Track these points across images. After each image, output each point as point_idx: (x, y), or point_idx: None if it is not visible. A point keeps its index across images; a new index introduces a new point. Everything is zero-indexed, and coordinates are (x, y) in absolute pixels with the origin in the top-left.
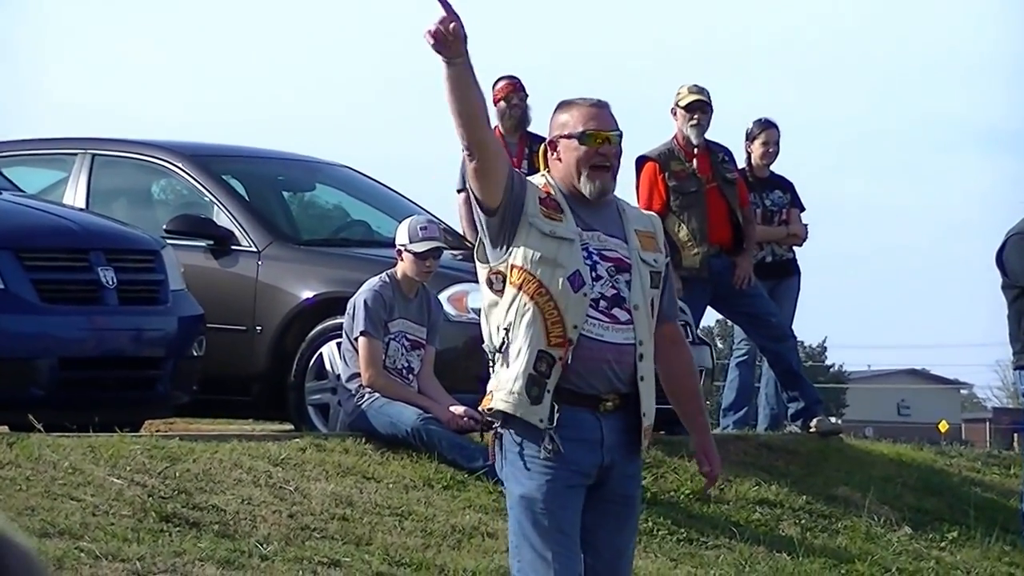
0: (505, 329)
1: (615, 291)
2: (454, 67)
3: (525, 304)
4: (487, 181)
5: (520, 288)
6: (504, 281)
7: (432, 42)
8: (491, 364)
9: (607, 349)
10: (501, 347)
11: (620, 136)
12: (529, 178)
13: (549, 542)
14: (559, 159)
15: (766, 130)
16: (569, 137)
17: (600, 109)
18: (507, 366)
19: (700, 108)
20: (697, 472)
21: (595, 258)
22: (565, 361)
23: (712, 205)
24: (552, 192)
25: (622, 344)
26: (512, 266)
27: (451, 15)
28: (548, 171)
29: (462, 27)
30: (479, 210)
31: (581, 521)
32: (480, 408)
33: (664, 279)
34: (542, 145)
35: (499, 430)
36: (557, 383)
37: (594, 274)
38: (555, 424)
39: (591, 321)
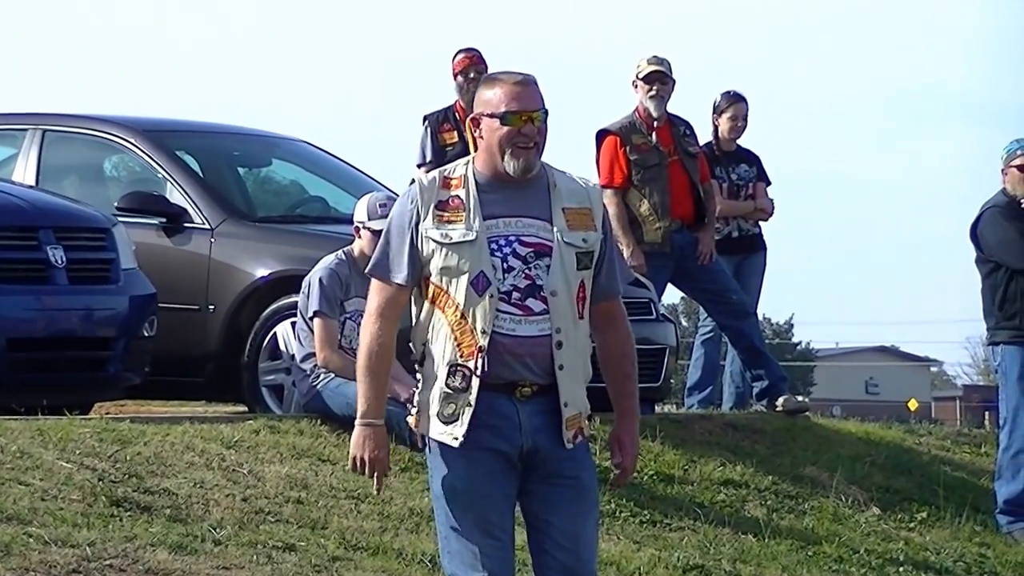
0: (423, 344)
1: (529, 281)
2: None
3: (439, 318)
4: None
5: (432, 301)
6: (420, 293)
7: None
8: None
9: (517, 343)
10: (422, 363)
11: (545, 114)
12: (445, 169)
13: (475, 533)
14: (481, 137)
15: (734, 104)
16: (491, 116)
17: (524, 87)
18: (427, 385)
19: (659, 79)
20: (660, 453)
21: (512, 247)
22: (482, 369)
23: (674, 179)
24: (462, 185)
25: (536, 336)
26: (423, 279)
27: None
28: (475, 150)
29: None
30: None
31: (533, 511)
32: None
33: (601, 256)
34: (468, 120)
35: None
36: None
37: (505, 266)
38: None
39: (502, 316)
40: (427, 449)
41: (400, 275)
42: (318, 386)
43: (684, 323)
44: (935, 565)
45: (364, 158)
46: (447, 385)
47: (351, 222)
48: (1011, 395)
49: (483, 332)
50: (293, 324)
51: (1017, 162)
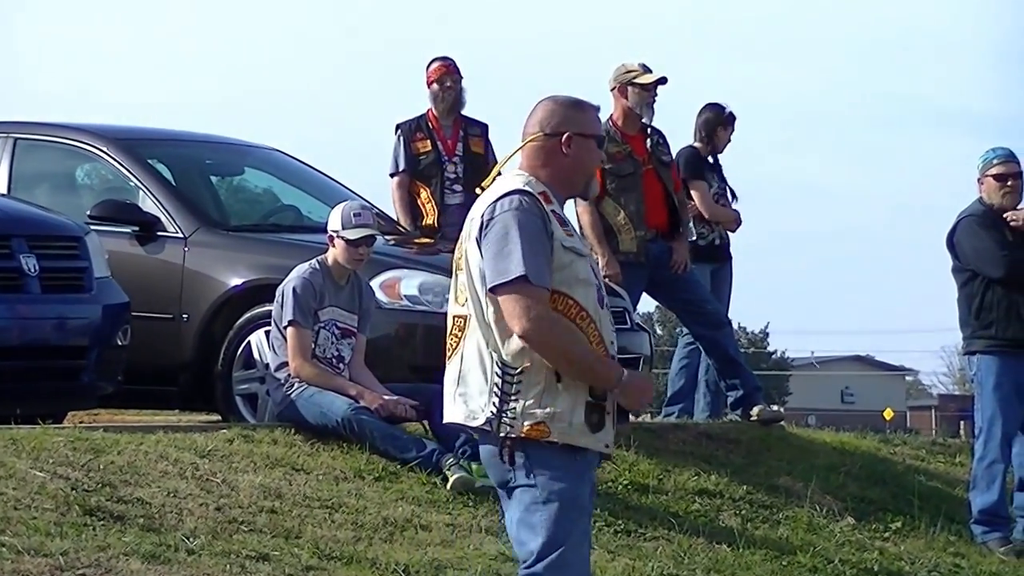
0: None
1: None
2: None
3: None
4: None
5: (563, 312)
6: None
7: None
8: (507, 383)
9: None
10: (556, 375)
11: None
12: (528, 183)
13: (582, 543)
14: (569, 155)
15: (733, 123)
16: (588, 137)
17: None
18: (560, 395)
19: (656, 87)
20: (635, 462)
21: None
22: None
23: (649, 188)
24: (551, 200)
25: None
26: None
27: None
28: (535, 167)
29: None
30: None
31: None
32: (522, 435)
33: None
34: (560, 137)
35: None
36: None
37: (597, 283)
38: None
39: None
40: (524, 457)
41: (549, 281)
42: (292, 395)
43: (659, 332)
44: (910, 575)
45: (333, 167)
46: (591, 395)
47: (324, 231)
48: (986, 405)
49: (611, 342)
50: (267, 333)
51: (994, 171)
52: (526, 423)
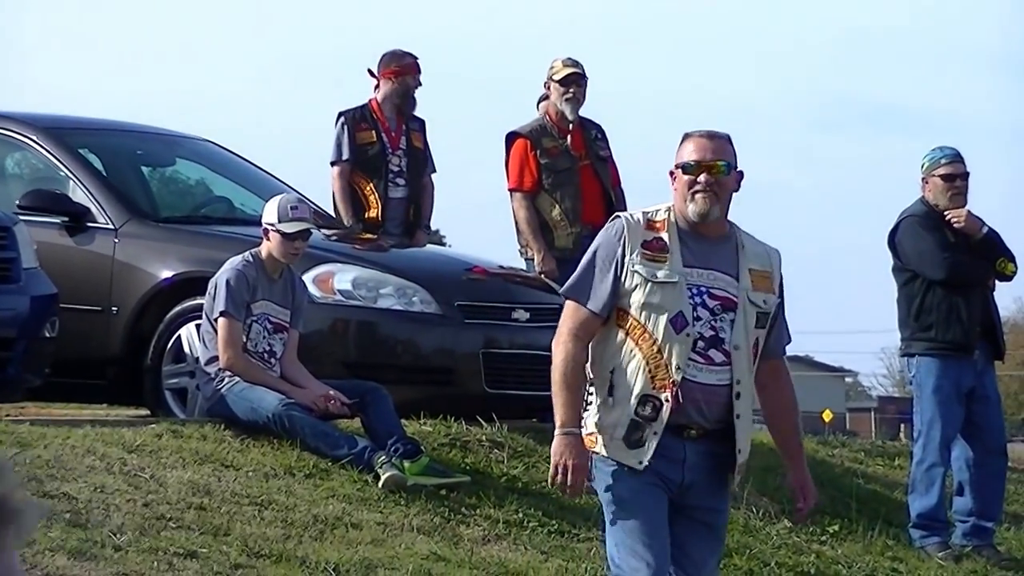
0: (611, 371)
1: (713, 332)
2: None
3: (631, 349)
4: None
5: (627, 332)
6: (612, 323)
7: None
8: (588, 393)
9: (697, 389)
10: (608, 389)
11: (727, 167)
12: (648, 211)
13: (640, 534)
14: (675, 188)
15: None
16: (678, 167)
17: (710, 140)
18: (611, 409)
19: (575, 81)
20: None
21: (702, 297)
22: (674, 404)
23: (585, 184)
24: (665, 228)
25: (714, 385)
26: (617, 309)
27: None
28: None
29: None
30: None
31: (671, 532)
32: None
33: (774, 318)
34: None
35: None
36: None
37: (695, 314)
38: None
39: (688, 362)
40: (593, 464)
41: (597, 304)
42: (222, 390)
43: None
44: None
45: (269, 157)
46: (637, 413)
47: (257, 223)
48: (925, 408)
49: (678, 368)
50: (198, 327)
51: (941, 171)
52: (585, 433)
